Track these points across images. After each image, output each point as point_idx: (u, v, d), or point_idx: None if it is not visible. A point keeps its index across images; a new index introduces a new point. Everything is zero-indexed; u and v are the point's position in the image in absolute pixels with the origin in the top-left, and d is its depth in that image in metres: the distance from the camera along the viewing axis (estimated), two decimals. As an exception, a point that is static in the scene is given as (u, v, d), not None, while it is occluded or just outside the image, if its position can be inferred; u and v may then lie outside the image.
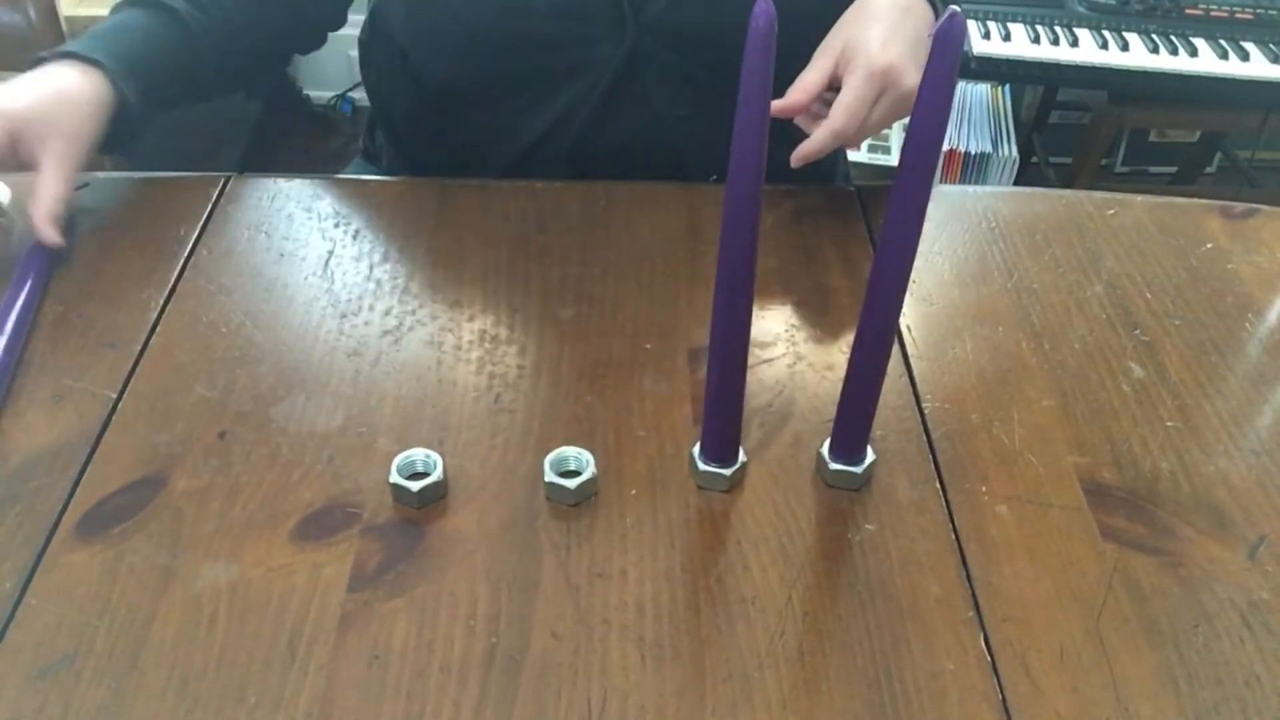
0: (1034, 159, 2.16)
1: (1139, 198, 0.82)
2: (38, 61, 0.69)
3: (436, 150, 0.90)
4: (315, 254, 0.72)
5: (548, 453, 0.55)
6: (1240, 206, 0.81)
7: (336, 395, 0.60)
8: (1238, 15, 1.77)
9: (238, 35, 0.79)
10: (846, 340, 0.63)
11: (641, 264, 0.72)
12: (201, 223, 0.74)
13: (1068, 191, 0.83)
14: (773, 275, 0.70)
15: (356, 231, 0.74)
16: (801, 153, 0.68)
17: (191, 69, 0.76)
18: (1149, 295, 0.71)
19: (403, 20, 0.81)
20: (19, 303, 0.62)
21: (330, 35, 0.89)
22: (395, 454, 0.55)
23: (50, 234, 0.66)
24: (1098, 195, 0.82)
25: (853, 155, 2.20)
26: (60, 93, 0.66)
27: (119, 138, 0.72)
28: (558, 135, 0.82)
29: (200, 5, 0.76)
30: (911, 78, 0.66)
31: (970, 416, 0.61)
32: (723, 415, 0.54)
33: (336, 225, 0.74)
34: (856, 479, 0.56)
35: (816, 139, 0.67)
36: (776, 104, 0.68)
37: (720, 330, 0.51)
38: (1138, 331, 0.68)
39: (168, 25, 0.74)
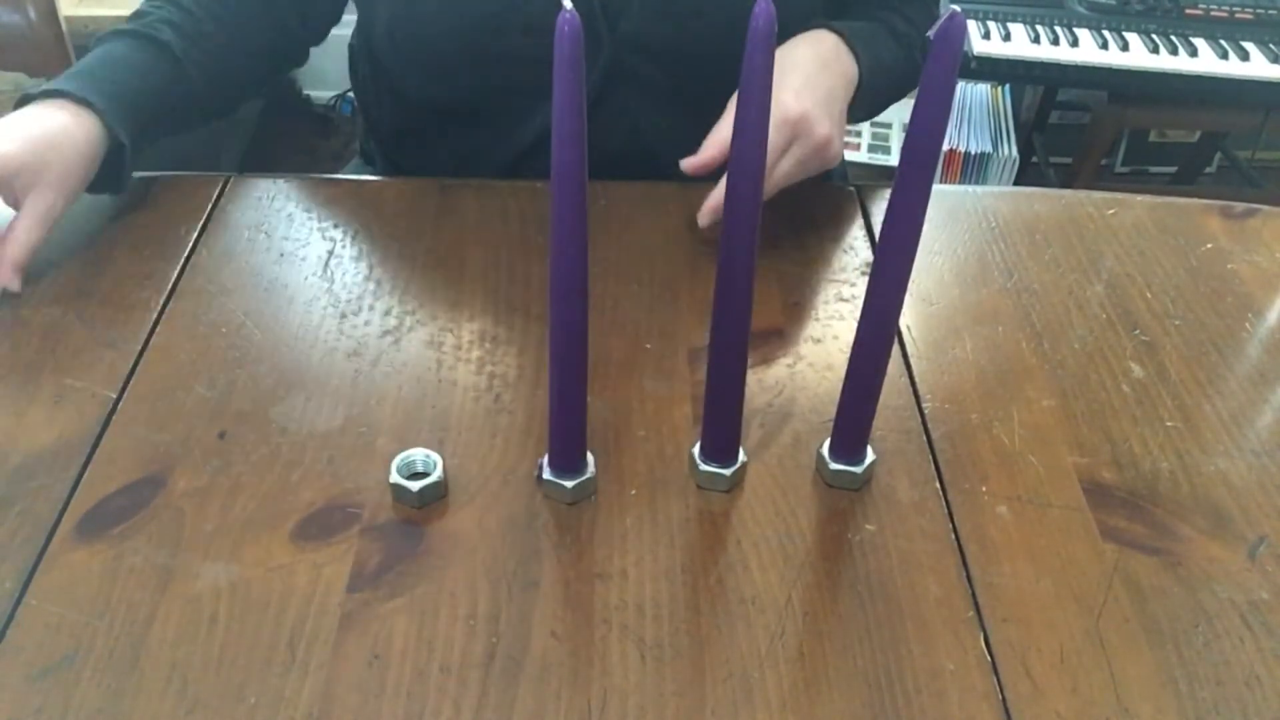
0: (1034, 159, 2.16)
1: (1139, 198, 0.82)
2: (24, 100, 0.65)
3: (419, 161, 0.89)
4: (315, 254, 0.72)
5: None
6: (1240, 206, 0.81)
7: (336, 395, 0.60)
8: (1238, 15, 1.77)
9: (225, 61, 0.77)
10: (846, 340, 0.63)
11: (641, 264, 0.72)
12: (201, 223, 0.74)
13: (1068, 191, 0.83)
14: (773, 275, 0.70)
15: (356, 231, 0.74)
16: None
17: (183, 103, 0.75)
18: (1149, 295, 0.71)
19: (383, 34, 0.80)
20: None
21: (331, 35, 0.89)
22: (395, 454, 0.55)
23: (12, 280, 0.64)
24: (1098, 195, 0.82)
25: (853, 155, 2.20)
26: (50, 138, 0.63)
27: (109, 179, 0.70)
28: (539, 151, 0.81)
29: (187, 35, 0.74)
30: (824, 128, 0.63)
31: (970, 416, 0.61)
32: (723, 415, 0.54)
33: (336, 225, 0.74)
34: (856, 479, 0.56)
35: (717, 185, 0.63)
36: (689, 162, 0.66)
37: (720, 330, 0.51)
38: (1138, 331, 0.68)
39: (158, 59, 0.72)
